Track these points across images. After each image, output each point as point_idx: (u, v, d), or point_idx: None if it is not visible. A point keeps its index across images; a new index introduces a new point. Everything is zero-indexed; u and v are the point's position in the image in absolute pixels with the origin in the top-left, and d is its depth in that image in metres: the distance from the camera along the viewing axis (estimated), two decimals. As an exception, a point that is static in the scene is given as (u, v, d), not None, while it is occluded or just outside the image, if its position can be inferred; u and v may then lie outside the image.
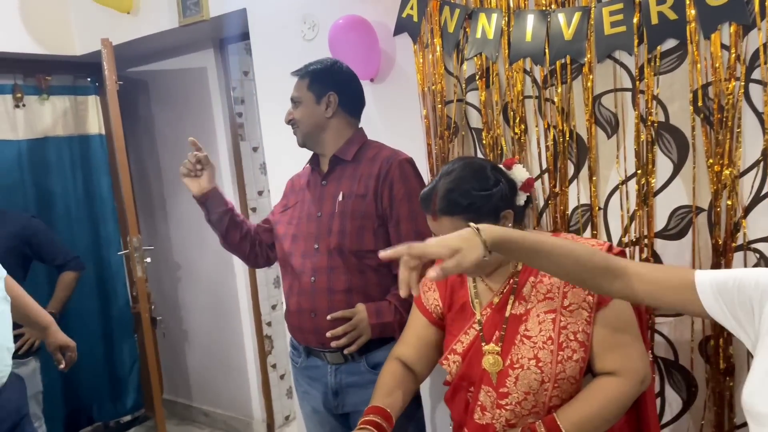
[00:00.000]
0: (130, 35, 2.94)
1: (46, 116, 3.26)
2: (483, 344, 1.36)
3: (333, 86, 1.74)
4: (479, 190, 1.32)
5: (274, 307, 3.44)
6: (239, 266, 3.32)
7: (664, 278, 1.10)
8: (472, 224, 1.08)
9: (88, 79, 3.41)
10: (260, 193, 3.39)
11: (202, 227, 3.40)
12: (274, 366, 3.45)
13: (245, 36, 2.84)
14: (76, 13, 3.15)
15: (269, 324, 3.43)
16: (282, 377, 3.50)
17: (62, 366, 2.21)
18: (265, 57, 2.52)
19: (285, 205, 1.89)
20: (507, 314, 1.36)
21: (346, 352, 1.68)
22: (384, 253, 1.06)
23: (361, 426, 1.32)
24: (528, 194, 1.41)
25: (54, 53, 3.11)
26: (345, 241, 1.68)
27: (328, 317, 1.68)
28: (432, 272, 1.03)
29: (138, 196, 3.61)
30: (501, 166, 1.42)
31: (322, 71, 1.75)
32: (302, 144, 1.81)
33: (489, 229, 1.06)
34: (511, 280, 1.38)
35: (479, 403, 1.38)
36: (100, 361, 3.41)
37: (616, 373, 1.29)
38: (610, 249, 1.33)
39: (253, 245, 1.92)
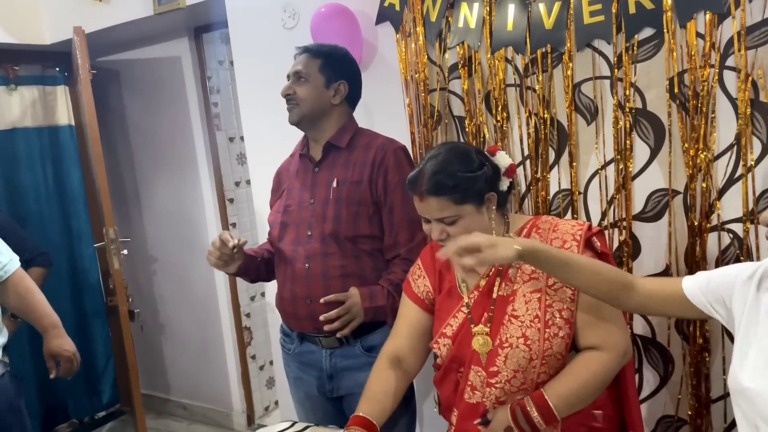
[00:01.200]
0: (103, 23, 2.89)
1: (15, 107, 3.18)
2: (472, 326, 1.40)
3: (345, 75, 1.75)
4: (465, 172, 1.36)
5: (252, 298, 3.44)
6: (217, 257, 3.30)
7: (660, 290, 1.24)
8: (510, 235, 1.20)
9: (57, 69, 3.33)
10: (237, 183, 3.37)
11: (177, 219, 3.40)
12: (253, 357, 3.45)
13: (221, 24, 2.82)
14: (46, 1, 3.07)
15: (248, 315, 3.42)
16: (262, 368, 3.50)
17: (52, 375, 2.05)
18: (243, 46, 2.51)
19: (278, 198, 1.88)
20: (494, 296, 1.40)
21: (339, 335, 1.69)
22: (440, 254, 1.22)
23: None
24: (511, 180, 1.45)
25: (22, 42, 3.04)
26: (341, 227, 1.70)
27: (321, 300, 1.69)
28: (468, 260, 1.17)
29: (110, 188, 3.55)
30: (485, 152, 1.46)
31: (338, 57, 1.76)
32: (296, 122, 1.76)
33: (524, 240, 1.23)
34: (497, 265, 1.42)
35: (469, 383, 1.42)
36: (75, 357, 3.35)
37: (600, 348, 1.35)
38: (589, 229, 1.39)
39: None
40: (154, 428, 3.50)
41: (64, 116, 3.35)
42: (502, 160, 1.44)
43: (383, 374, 1.49)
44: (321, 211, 1.73)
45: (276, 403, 3.51)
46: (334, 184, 1.73)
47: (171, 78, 3.23)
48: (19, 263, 1.97)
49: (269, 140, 2.45)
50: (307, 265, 1.73)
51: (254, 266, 1.84)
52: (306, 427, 1.65)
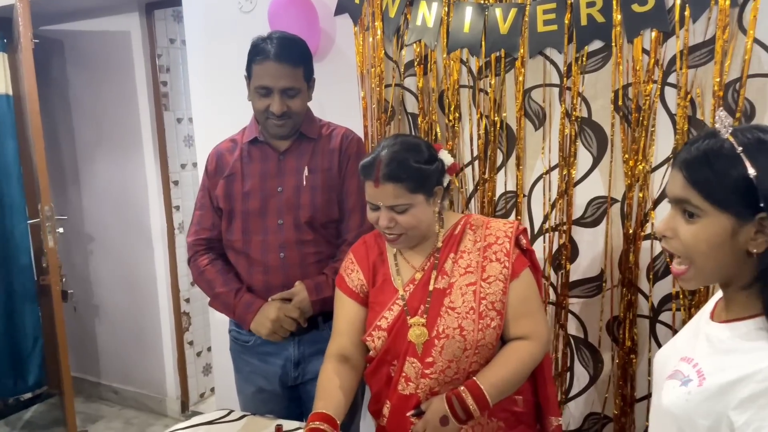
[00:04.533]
0: (48, -9, 2.76)
1: (-52, 72, 3.01)
2: (408, 318, 1.44)
3: (312, 70, 1.74)
4: (420, 163, 1.39)
5: (193, 283, 3.37)
6: (158, 240, 3.23)
7: None
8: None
9: (-5, 35, 3.17)
10: (183, 166, 3.30)
11: (118, 199, 3.30)
12: (191, 343, 3.39)
13: (174, 2, 2.75)
14: (-14, -38, 2.92)
15: (188, 300, 3.36)
16: (199, 354, 3.45)
17: None
18: (197, 26, 2.45)
19: (226, 184, 1.78)
20: (431, 288, 1.44)
21: (299, 328, 1.72)
22: None
23: None
24: (450, 178, 1.50)
25: (-41, 4, 2.88)
26: (317, 213, 1.72)
27: (270, 299, 1.71)
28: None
29: (48, 163, 3.40)
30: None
31: (308, 56, 1.72)
32: (287, 136, 1.73)
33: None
34: (433, 258, 1.47)
35: (403, 374, 1.45)
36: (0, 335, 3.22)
37: (527, 337, 1.43)
38: (517, 227, 1.47)
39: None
40: (83, 412, 3.40)
41: (1, 85, 3.19)
42: (446, 158, 1.48)
43: (332, 373, 1.49)
44: (294, 199, 1.72)
45: (212, 390, 3.46)
46: (306, 172, 1.73)
47: (118, 53, 3.12)
48: None
49: (219, 123, 2.40)
50: (282, 254, 1.73)
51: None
52: (242, 416, 1.65)
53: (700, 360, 0.96)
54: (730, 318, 0.96)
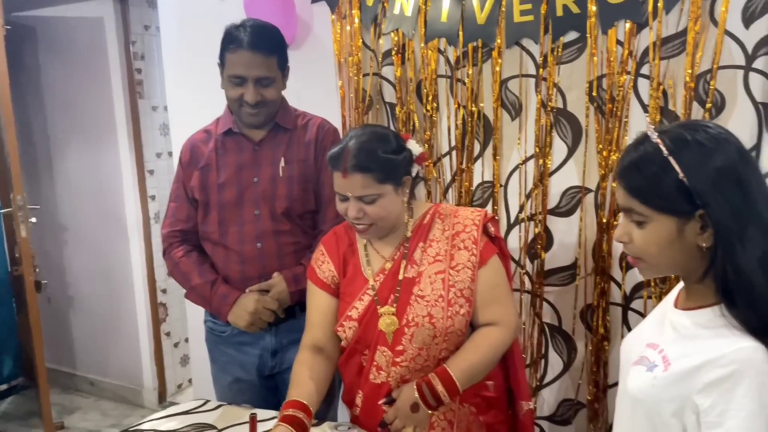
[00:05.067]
0: (18, -24, 2.70)
1: None
2: (378, 307, 1.45)
3: (286, 58, 1.72)
4: (388, 153, 1.40)
5: (169, 274, 3.35)
6: (134, 231, 3.20)
7: None
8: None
9: (-36, 20, 3.09)
10: (159, 155, 3.26)
11: (92, 189, 3.25)
12: (168, 334, 3.37)
13: (149, -12, 2.71)
14: (-47, -55, 2.84)
15: (164, 291, 3.33)
16: (176, 345, 3.43)
17: None
18: (172, 12, 2.42)
19: (201, 175, 1.76)
20: (400, 277, 1.45)
21: (276, 318, 1.73)
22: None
23: (279, 423, 1.34)
24: (419, 168, 1.50)
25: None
26: (294, 204, 1.72)
27: (247, 290, 1.71)
28: None
29: (20, 151, 3.34)
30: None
31: (283, 45, 1.70)
32: (262, 125, 1.71)
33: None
34: (402, 247, 1.48)
35: (375, 363, 1.46)
36: (-27, 327, 3.17)
37: (496, 323, 1.45)
38: (485, 216, 1.48)
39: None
40: (59, 403, 3.37)
41: (-30, 71, 3.12)
42: (414, 148, 1.48)
43: (307, 363, 1.48)
44: (270, 190, 1.72)
45: (190, 380, 3.45)
46: (282, 163, 1.72)
47: (92, 40, 3.07)
48: None
49: (195, 111, 2.37)
50: (259, 244, 1.73)
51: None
52: (218, 406, 1.65)
53: (665, 346, 0.98)
54: (692, 306, 0.99)
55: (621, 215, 1.04)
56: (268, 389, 1.86)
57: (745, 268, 0.90)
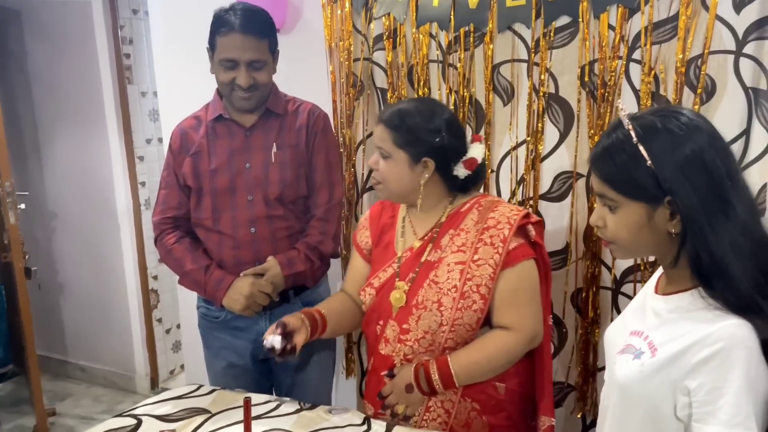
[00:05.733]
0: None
1: None
2: (396, 281, 1.48)
3: (276, 42, 1.71)
4: (420, 126, 1.42)
5: (161, 261, 3.34)
6: (124, 217, 3.18)
7: None
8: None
9: (-52, 4, 3.05)
10: (148, 141, 3.24)
11: (81, 175, 3.23)
12: (159, 320, 3.37)
13: (137, -28, 2.67)
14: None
15: (155, 277, 3.33)
16: (168, 331, 3.43)
17: None
18: (161, -4, 2.39)
19: (192, 161, 1.75)
20: (423, 259, 1.47)
21: (271, 302, 1.74)
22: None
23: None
24: (470, 172, 1.47)
25: None
26: (287, 190, 1.73)
27: (242, 274, 1.71)
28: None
29: (7, 137, 3.30)
30: (468, 135, 1.51)
31: (273, 29, 1.70)
32: (253, 109, 1.71)
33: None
34: (434, 230, 1.49)
35: (384, 335, 1.50)
36: (-38, 315, 3.15)
37: (509, 328, 1.42)
38: (527, 216, 1.44)
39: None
40: (50, 390, 3.36)
41: (-45, 56, 3.08)
42: (473, 150, 1.47)
43: (340, 298, 1.66)
44: (262, 175, 1.72)
45: (182, 366, 3.45)
46: (274, 149, 1.72)
47: (79, 24, 3.02)
48: None
49: (185, 97, 2.35)
50: (252, 229, 1.73)
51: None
52: (212, 391, 1.65)
53: (650, 332, 1.00)
54: (672, 291, 1.00)
55: (596, 200, 1.05)
56: (262, 374, 1.87)
57: (716, 252, 0.91)
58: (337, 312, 1.60)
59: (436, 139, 1.42)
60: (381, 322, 1.51)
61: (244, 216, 1.73)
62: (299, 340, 1.47)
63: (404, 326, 1.45)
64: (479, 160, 1.47)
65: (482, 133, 1.89)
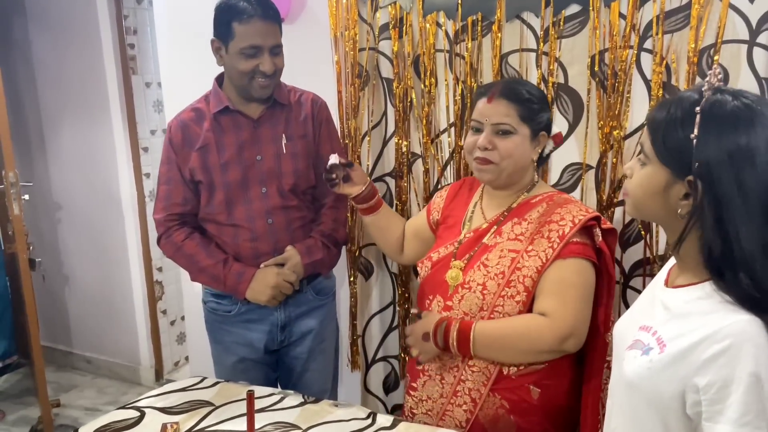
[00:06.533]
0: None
1: None
2: (453, 260, 1.48)
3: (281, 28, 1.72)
4: (533, 98, 1.44)
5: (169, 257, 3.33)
6: (128, 208, 3.17)
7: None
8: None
9: (-48, -7, 3.03)
10: (153, 132, 3.23)
11: (85, 166, 3.22)
12: (164, 312, 3.37)
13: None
14: None
15: (160, 269, 3.32)
16: (173, 323, 3.43)
17: None
18: (165, -14, 2.37)
19: (200, 156, 1.72)
20: (482, 242, 1.47)
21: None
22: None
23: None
24: (552, 146, 1.51)
25: None
26: (299, 180, 1.75)
27: (262, 265, 1.72)
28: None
29: (11, 128, 3.30)
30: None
31: (279, 14, 1.69)
32: (268, 96, 1.70)
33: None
34: (502, 215, 1.49)
35: (430, 309, 1.50)
36: (-33, 306, 3.15)
37: (546, 314, 1.36)
38: (596, 219, 1.41)
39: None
40: (55, 381, 3.37)
41: (-41, 46, 3.07)
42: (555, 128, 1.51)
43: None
44: (275, 167, 1.72)
45: (186, 358, 3.45)
46: (284, 140, 1.72)
47: (83, 14, 3.00)
48: None
49: (189, 87, 2.33)
50: (270, 220, 1.73)
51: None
52: (216, 383, 1.64)
53: (658, 327, 0.97)
54: (683, 283, 0.98)
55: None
56: (269, 365, 1.88)
57: (747, 249, 0.87)
58: (392, 213, 1.79)
59: (546, 112, 1.45)
60: (430, 297, 1.52)
61: (259, 208, 1.72)
62: (356, 176, 1.64)
63: (448, 303, 1.46)
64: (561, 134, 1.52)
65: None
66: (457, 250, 1.50)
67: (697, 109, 0.89)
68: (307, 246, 1.76)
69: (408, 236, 1.75)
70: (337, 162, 1.61)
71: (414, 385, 1.54)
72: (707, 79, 0.92)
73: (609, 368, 1.44)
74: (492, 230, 1.47)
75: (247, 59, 1.62)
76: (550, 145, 1.49)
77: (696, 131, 0.88)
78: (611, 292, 1.45)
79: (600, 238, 1.40)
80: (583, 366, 1.49)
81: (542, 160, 1.54)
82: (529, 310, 1.40)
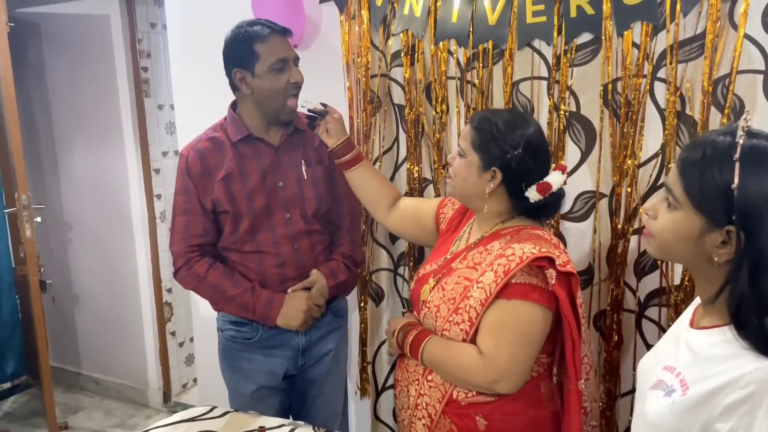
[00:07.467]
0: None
1: None
2: (431, 277, 1.52)
3: None
4: (499, 135, 1.40)
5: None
6: (139, 229, 3.18)
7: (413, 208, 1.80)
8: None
9: (-31, 17, 3.07)
10: (165, 154, 3.24)
11: (97, 187, 3.23)
12: (173, 333, 3.36)
13: (155, -14, 2.68)
14: (-42, -59, 2.81)
15: (170, 290, 3.32)
16: (181, 345, 3.41)
17: None
18: (179, 10, 2.39)
19: (224, 186, 1.71)
20: (452, 266, 1.48)
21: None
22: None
23: None
24: (541, 197, 1.40)
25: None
26: (321, 205, 1.79)
27: (289, 290, 1.74)
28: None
29: (25, 150, 3.33)
30: (551, 162, 1.47)
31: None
32: (290, 120, 1.76)
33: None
34: (473, 243, 1.49)
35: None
36: (-23, 326, 3.16)
37: (482, 354, 1.34)
38: (548, 260, 1.31)
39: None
40: (63, 402, 3.36)
41: (-25, 68, 3.10)
42: (551, 177, 1.41)
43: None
44: (298, 193, 1.75)
45: (194, 380, 3.43)
46: (304, 166, 1.76)
47: (97, 37, 3.04)
48: None
49: (201, 110, 2.34)
50: (295, 245, 1.75)
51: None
52: (226, 413, 1.63)
53: (682, 369, 0.95)
54: (708, 325, 0.96)
55: (661, 191, 1.00)
56: (284, 392, 1.88)
57: (767, 298, 0.85)
58: (372, 172, 1.78)
59: (509, 153, 1.38)
60: (411, 309, 1.62)
61: (284, 233, 1.74)
62: (332, 129, 1.70)
63: (419, 317, 1.54)
64: (554, 188, 1.40)
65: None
66: (438, 268, 1.53)
67: (736, 157, 0.87)
68: (331, 268, 1.79)
69: (406, 208, 1.76)
70: (313, 108, 1.71)
71: (395, 393, 1.62)
72: (740, 123, 0.89)
73: (586, 415, 1.45)
74: (462, 255, 1.48)
75: (278, 74, 1.65)
76: (532, 192, 1.40)
77: (736, 181, 0.86)
78: (575, 339, 1.34)
79: (554, 281, 1.30)
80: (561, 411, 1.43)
81: (522, 204, 1.43)
82: (474, 339, 1.38)
